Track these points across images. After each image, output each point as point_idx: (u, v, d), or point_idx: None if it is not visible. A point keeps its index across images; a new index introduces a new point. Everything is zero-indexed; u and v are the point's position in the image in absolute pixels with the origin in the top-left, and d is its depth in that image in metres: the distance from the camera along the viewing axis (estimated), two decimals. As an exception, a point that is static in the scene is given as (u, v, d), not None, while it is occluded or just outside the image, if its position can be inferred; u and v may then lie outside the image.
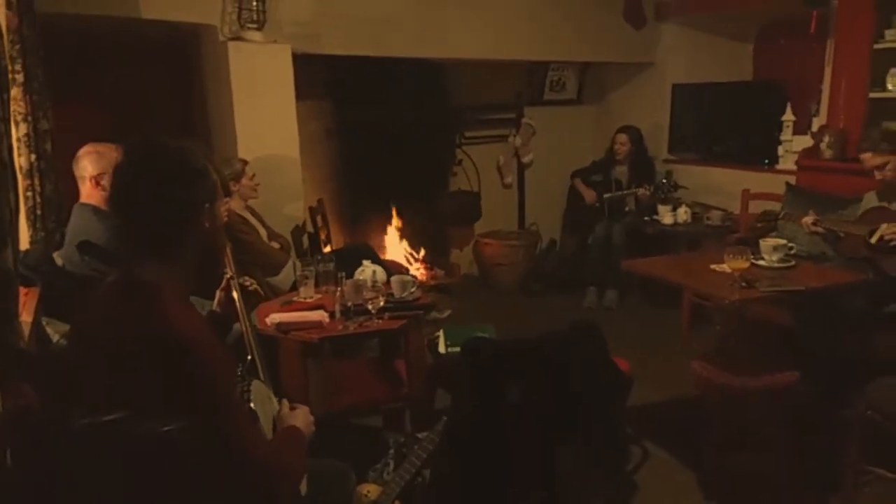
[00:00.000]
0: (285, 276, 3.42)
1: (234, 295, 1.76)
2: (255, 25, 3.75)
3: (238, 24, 3.74)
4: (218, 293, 1.80)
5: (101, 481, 1.18)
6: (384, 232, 4.98)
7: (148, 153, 1.38)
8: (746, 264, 2.73)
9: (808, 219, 3.28)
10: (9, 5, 2.40)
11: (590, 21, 5.24)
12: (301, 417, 1.60)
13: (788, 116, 4.77)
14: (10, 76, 2.33)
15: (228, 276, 1.77)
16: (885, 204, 3.21)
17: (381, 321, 2.55)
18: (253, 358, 1.72)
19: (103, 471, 1.18)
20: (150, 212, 1.35)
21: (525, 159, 5.75)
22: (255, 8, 3.72)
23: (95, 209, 2.63)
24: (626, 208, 5.08)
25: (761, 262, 2.93)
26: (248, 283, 1.83)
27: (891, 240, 3.03)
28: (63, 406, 1.44)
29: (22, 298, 2.05)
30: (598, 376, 1.91)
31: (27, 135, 2.57)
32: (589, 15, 5.22)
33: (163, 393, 1.25)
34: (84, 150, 2.67)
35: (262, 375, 1.71)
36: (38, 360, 1.70)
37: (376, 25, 4.29)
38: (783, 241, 3.01)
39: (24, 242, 2.57)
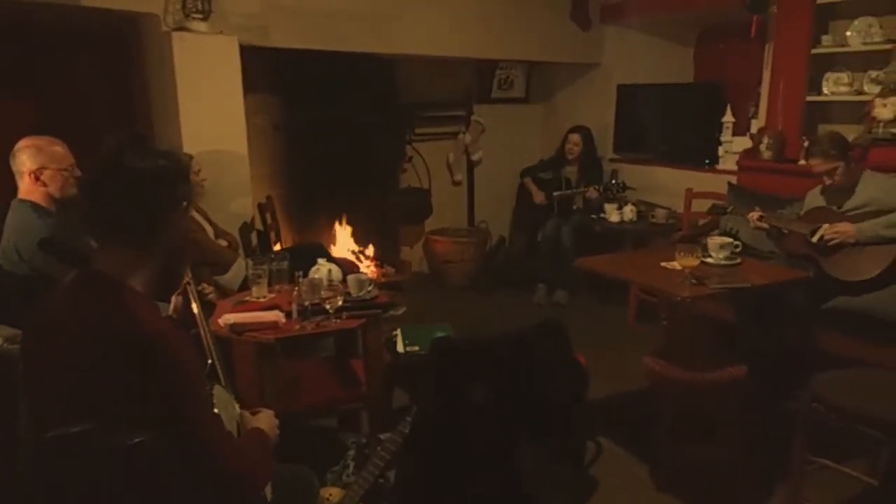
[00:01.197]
0: (234, 275, 3.32)
1: (192, 300, 1.70)
2: (200, 16, 3.63)
3: (182, 14, 3.61)
4: (174, 298, 1.74)
5: (68, 493, 1.12)
6: (333, 229, 4.91)
7: (137, 145, 1.35)
8: (696, 262, 2.79)
9: (754, 214, 3.42)
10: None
11: (537, 21, 5.28)
12: (265, 421, 1.58)
13: (728, 118, 4.93)
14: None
15: (185, 280, 1.71)
16: (833, 207, 3.34)
17: (339, 321, 2.51)
18: (213, 363, 1.67)
19: (71, 483, 1.12)
20: (135, 199, 1.32)
21: (474, 157, 5.76)
22: (200, -3, 3.61)
23: (35, 206, 2.49)
24: (574, 206, 5.15)
25: (709, 260, 3.01)
26: (207, 292, 1.78)
27: (830, 240, 3.17)
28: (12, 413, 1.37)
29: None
30: (563, 373, 1.93)
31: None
32: (537, 15, 5.27)
33: (133, 391, 1.21)
34: (22, 144, 2.52)
35: (222, 381, 1.65)
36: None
37: (326, 19, 4.23)
38: (729, 240, 3.10)
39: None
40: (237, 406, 1.61)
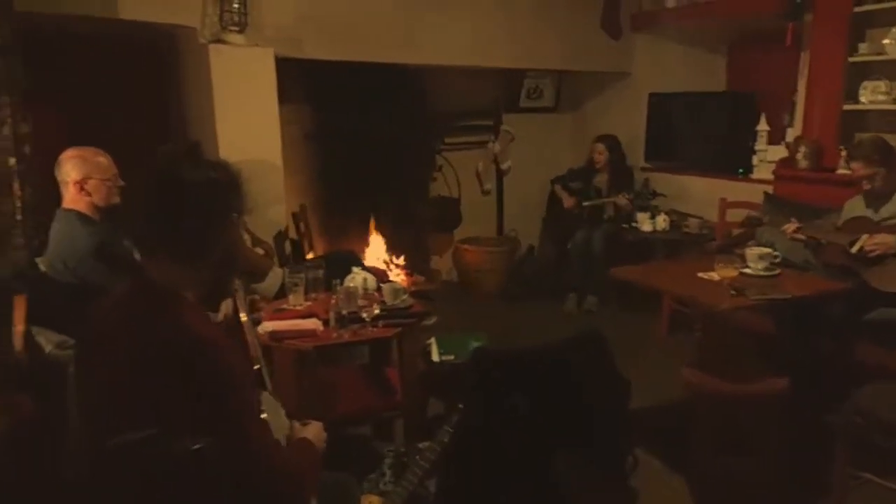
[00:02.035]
0: (270, 283, 3.36)
1: (240, 308, 1.72)
2: (236, 28, 3.69)
3: (220, 27, 3.67)
4: (223, 306, 1.76)
5: (119, 498, 1.14)
6: (364, 238, 4.93)
7: (191, 155, 1.37)
8: (735, 273, 2.77)
9: (791, 226, 3.37)
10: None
11: (568, 30, 5.28)
12: (313, 431, 1.59)
13: (763, 126, 4.87)
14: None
15: (234, 288, 1.73)
16: (870, 212, 3.29)
17: (375, 329, 2.52)
18: (260, 369, 1.68)
19: (122, 488, 1.14)
20: (187, 211, 1.32)
21: (503, 166, 5.77)
22: (236, 10, 3.67)
23: (79, 215, 2.54)
24: (605, 215, 5.13)
25: (747, 271, 2.98)
26: (259, 308, 1.80)
27: (871, 251, 3.11)
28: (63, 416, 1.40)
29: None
30: (604, 384, 1.92)
31: (7, 137, 2.49)
32: (566, 24, 5.26)
33: (185, 398, 1.23)
34: (67, 154, 2.58)
35: (269, 387, 1.67)
36: (33, 370, 1.63)
37: (358, 31, 4.27)
38: (768, 250, 3.07)
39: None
40: (284, 414, 1.62)
